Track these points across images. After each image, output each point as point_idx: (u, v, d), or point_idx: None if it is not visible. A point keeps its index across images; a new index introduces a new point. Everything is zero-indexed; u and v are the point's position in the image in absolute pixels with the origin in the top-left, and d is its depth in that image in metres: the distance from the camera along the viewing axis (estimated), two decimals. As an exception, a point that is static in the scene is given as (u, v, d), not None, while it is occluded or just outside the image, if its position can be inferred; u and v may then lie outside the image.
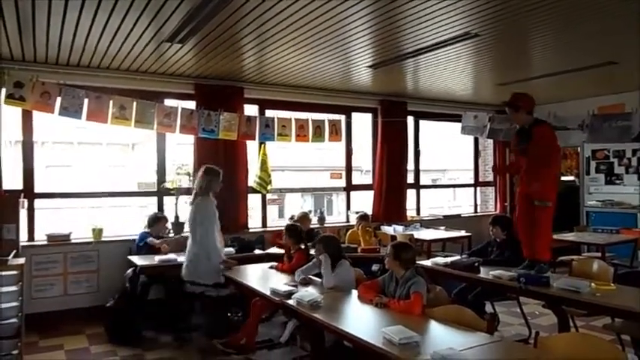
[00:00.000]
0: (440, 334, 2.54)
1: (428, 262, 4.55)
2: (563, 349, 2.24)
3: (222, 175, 4.70)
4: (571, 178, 7.82)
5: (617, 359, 2.10)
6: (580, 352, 2.18)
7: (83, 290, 5.34)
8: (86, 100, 4.79)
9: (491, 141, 8.53)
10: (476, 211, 8.73)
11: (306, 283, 3.78)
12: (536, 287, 3.48)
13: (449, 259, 4.37)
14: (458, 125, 6.67)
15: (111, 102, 4.91)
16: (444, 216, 8.03)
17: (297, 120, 5.97)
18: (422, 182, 8.15)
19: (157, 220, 5.38)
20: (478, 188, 8.85)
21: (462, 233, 6.42)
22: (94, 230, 5.48)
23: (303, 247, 4.45)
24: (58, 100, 4.67)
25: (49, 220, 6.99)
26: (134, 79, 5.49)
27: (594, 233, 6.42)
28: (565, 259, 4.50)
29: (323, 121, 6.15)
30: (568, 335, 2.85)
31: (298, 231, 4.55)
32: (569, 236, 6.06)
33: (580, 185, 7.70)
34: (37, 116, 5.17)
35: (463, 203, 11.44)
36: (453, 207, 12.41)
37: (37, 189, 5.35)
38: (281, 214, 11.62)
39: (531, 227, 3.91)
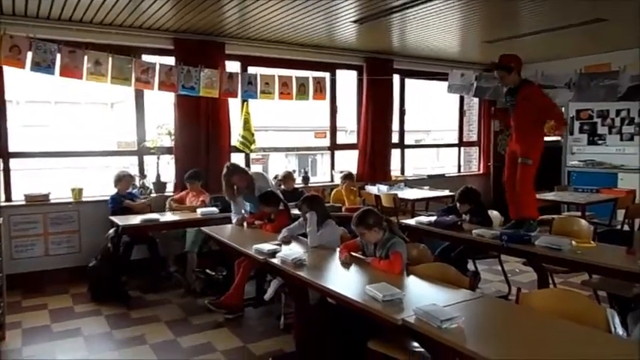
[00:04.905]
0: (423, 291, 2.55)
1: (412, 221, 4.57)
2: (544, 305, 2.27)
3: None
4: (557, 138, 7.84)
5: (596, 313, 2.12)
6: (560, 307, 2.22)
7: (65, 251, 5.28)
8: (59, 55, 4.58)
9: (476, 100, 8.49)
10: (459, 171, 8.77)
11: (287, 241, 3.76)
12: (519, 245, 3.52)
13: (432, 218, 4.38)
14: (443, 84, 6.58)
15: (85, 57, 4.71)
16: (428, 176, 8.05)
17: (280, 77, 5.82)
18: (406, 142, 8.11)
19: (119, 179, 5.21)
20: (462, 148, 8.85)
21: (446, 193, 6.45)
22: (73, 190, 5.37)
23: (283, 207, 4.40)
24: (29, 54, 4.46)
25: (28, 181, 6.83)
26: (109, 33, 5.25)
27: (575, 193, 6.49)
28: (545, 217, 4.55)
29: (307, 78, 6.01)
30: (548, 291, 2.90)
31: (274, 196, 4.44)
32: (550, 195, 6.13)
33: (563, 145, 7.75)
34: (12, 74, 4.95)
35: (447, 163, 11.47)
36: (437, 167, 12.44)
37: (13, 149, 5.19)
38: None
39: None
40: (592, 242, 3.52)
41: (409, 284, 2.65)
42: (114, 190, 5.23)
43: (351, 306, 2.45)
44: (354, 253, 3.25)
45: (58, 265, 5.23)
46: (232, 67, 6.05)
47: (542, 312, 2.22)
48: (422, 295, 2.47)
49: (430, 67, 7.51)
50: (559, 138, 7.85)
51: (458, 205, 4.44)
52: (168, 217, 5.10)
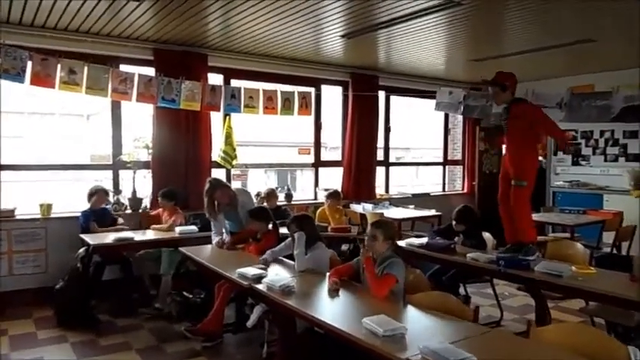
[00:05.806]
0: (425, 325, 2.35)
1: (402, 243, 4.37)
2: (558, 340, 2.09)
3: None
4: (539, 158, 7.83)
5: (615, 350, 1.96)
6: (576, 342, 2.04)
7: (30, 270, 4.92)
8: (30, 63, 4.31)
9: (460, 119, 8.43)
10: (444, 190, 8.66)
11: (268, 265, 3.52)
12: (516, 271, 3.36)
13: (424, 240, 4.21)
14: (426, 102, 6.50)
15: (59, 65, 4.44)
16: (413, 194, 7.92)
17: (265, 91, 5.63)
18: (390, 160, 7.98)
19: (93, 194, 4.92)
20: (446, 167, 8.76)
21: (432, 212, 6.31)
22: (42, 206, 5.03)
23: (271, 227, 4.18)
24: (-3, 61, 4.18)
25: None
26: (85, 42, 4.99)
27: (561, 214, 6.43)
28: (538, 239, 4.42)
29: (292, 93, 5.84)
30: (562, 326, 2.70)
31: (265, 212, 4.26)
32: (536, 216, 6.03)
33: (547, 166, 7.72)
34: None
35: (426, 182, 11.39)
36: (417, 185, 12.35)
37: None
38: (245, 191, 11.22)
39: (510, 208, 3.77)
40: (592, 268, 3.38)
41: (409, 316, 2.44)
42: (86, 206, 4.92)
43: (345, 340, 2.22)
44: (345, 279, 3.03)
45: (22, 285, 4.86)
46: (215, 79, 5.83)
47: (558, 348, 2.03)
48: (425, 329, 2.26)
49: (415, 84, 7.43)
50: (541, 158, 7.84)
51: (454, 223, 4.28)
52: (144, 235, 4.80)
